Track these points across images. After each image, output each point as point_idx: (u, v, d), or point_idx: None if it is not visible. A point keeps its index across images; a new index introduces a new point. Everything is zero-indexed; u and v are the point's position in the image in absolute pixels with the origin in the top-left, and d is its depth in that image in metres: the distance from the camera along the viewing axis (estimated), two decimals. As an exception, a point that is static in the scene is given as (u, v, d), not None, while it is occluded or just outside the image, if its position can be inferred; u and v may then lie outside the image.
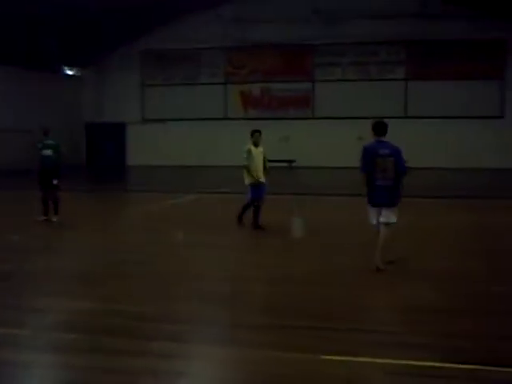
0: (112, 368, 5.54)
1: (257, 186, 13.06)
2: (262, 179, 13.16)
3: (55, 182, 14.58)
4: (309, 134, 35.01)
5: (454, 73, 34.49)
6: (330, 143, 34.44)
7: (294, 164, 35.33)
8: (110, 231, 13.84)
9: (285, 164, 35.20)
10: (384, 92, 34.97)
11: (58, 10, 27.87)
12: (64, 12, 28.55)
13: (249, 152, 13.01)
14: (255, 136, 13.08)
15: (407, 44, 35.08)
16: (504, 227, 13.92)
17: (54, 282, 8.78)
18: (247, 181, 13.16)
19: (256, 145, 13.11)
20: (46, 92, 35.62)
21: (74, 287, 8.58)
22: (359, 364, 5.57)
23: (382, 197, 9.13)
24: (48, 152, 14.84)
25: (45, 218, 14.51)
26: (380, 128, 9.34)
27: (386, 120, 9.56)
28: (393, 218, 9.20)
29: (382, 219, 9.19)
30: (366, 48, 35.55)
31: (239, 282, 8.72)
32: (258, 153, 13.08)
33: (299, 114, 36.72)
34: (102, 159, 38.40)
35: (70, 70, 38.50)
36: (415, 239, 12.01)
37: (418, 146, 33.57)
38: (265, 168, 13.17)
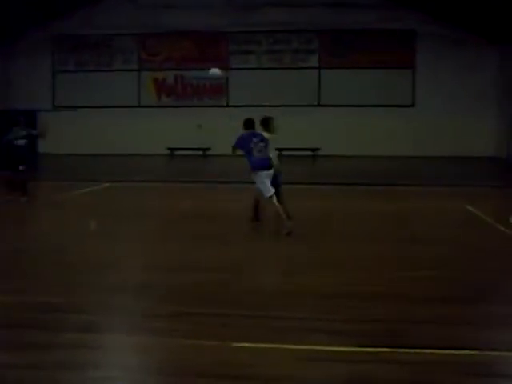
0: (18, 362, 5.37)
1: None
2: None
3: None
4: (223, 122, 34.96)
5: (366, 62, 35.02)
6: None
7: (208, 152, 35.28)
8: (13, 221, 13.43)
9: (200, 152, 35.15)
10: (297, 80, 35.29)
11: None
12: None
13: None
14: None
15: (320, 33, 35.46)
16: (415, 213, 14.31)
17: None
18: None
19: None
20: None
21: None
22: (269, 350, 5.59)
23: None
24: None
25: None
26: (250, 123, 12.10)
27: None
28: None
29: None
30: (279, 36, 35.75)
31: (148, 272, 8.60)
32: None
33: (213, 102, 36.66)
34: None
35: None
36: (333, 224, 12.18)
37: (331, 134, 34.13)
38: None
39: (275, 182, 11.80)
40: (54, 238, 11.31)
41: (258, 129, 12.04)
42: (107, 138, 35.64)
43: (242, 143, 11.88)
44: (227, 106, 36.27)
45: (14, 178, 15.08)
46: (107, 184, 19.75)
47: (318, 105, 35.27)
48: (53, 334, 6.03)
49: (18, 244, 10.65)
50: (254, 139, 11.73)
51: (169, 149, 35.85)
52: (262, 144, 11.67)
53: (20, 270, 8.82)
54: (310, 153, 34.34)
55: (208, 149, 35.26)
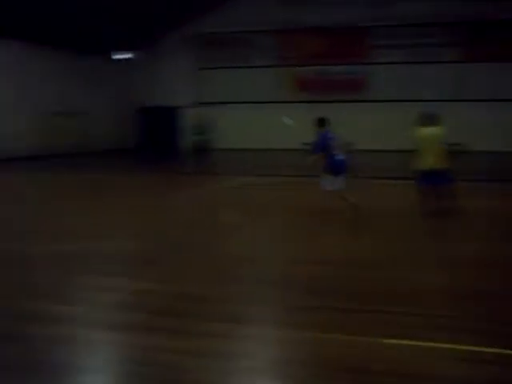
0: (170, 348, 5.61)
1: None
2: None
3: None
4: (363, 117, 34.69)
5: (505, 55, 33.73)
6: (384, 126, 34.10)
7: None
8: (166, 213, 13.98)
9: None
10: (437, 75, 34.45)
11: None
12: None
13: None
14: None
15: (462, 25, 34.34)
16: None
17: (110, 263, 8.94)
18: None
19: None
20: (97, 76, 36.03)
21: (129, 268, 8.72)
22: (418, 348, 5.55)
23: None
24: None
25: None
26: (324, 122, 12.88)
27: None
28: None
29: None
30: (421, 30, 35.00)
31: (290, 265, 8.74)
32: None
33: (354, 97, 36.42)
34: (156, 142, 38.66)
35: (122, 54, 38.77)
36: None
37: (472, 130, 33.10)
38: None
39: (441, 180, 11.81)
40: (198, 230, 11.68)
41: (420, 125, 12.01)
42: (246, 133, 36.22)
43: (323, 144, 12.51)
44: (367, 101, 35.96)
45: None
46: (251, 178, 20.13)
47: (460, 100, 34.27)
48: (204, 322, 6.26)
49: (170, 236, 11.08)
50: (330, 138, 12.50)
51: (306, 144, 35.96)
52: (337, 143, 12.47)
53: (167, 260, 9.17)
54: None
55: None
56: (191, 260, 9.12)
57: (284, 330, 6.12)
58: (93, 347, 5.74)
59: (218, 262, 8.97)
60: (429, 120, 12.40)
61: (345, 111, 35.39)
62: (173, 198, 16.31)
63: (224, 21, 36.43)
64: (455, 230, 11.59)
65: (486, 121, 33.21)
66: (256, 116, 36.60)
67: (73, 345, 5.77)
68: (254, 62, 37.80)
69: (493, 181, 18.84)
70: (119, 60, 38.71)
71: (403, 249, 9.80)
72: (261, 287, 7.60)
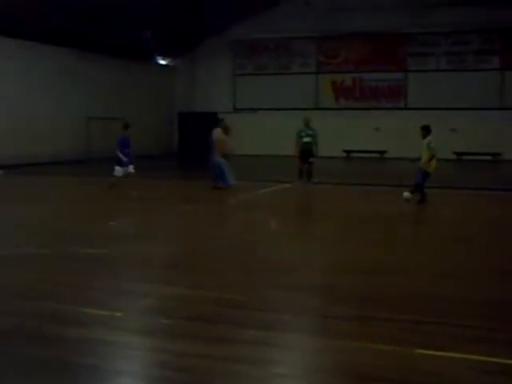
0: (206, 354, 5.57)
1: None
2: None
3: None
4: (400, 124, 34.47)
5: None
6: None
7: (385, 155, 34.96)
8: (202, 219, 14.02)
9: (376, 155, 34.91)
10: (479, 82, 34.06)
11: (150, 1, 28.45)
12: (156, 3, 29.07)
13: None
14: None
15: (501, 32, 34.01)
16: None
17: (147, 267, 8.95)
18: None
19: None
20: (140, 81, 36.34)
21: (166, 273, 8.72)
22: (455, 360, 5.42)
23: None
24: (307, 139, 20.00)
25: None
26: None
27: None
28: None
29: None
30: (458, 37, 34.72)
31: (328, 273, 8.68)
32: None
33: (391, 104, 36.23)
34: (194, 148, 38.75)
35: (164, 59, 39.12)
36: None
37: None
38: None
39: None
40: (238, 236, 11.73)
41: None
42: (284, 140, 36.16)
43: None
44: (405, 108, 35.74)
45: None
46: (287, 185, 20.08)
47: (501, 108, 33.83)
48: (237, 329, 6.23)
49: (206, 241, 11.09)
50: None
51: (345, 151, 35.86)
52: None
53: (205, 266, 9.16)
54: (489, 157, 33.12)
55: (385, 151, 34.92)
56: (231, 265, 9.15)
57: (319, 339, 6.07)
58: (124, 351, 5.72)
59: (258, 268, 8.94)
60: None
61: (383, 119, 35.26)
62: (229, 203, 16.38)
63: (263, 27, 36.56)
64: None
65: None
66: (293, 123, 36.50)
67: (104, 348, 5.76)
68: (292, 68, 37.82)
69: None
70: (161, 66, 39.05)
71: (451, 260, 9.70)
72: (298, 295, 7.54)
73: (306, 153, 19.97)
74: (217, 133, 19.10)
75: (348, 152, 35.93)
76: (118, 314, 6.67)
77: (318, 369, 5.38)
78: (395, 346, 5.71)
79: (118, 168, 16.86)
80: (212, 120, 38.80)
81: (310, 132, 20.60)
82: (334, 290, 7.75)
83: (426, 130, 15.71)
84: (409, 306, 7.05)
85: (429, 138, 15.54)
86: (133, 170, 17.05)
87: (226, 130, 19.43)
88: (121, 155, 16.83)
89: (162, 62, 39.33)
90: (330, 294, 7.63)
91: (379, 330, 6.21)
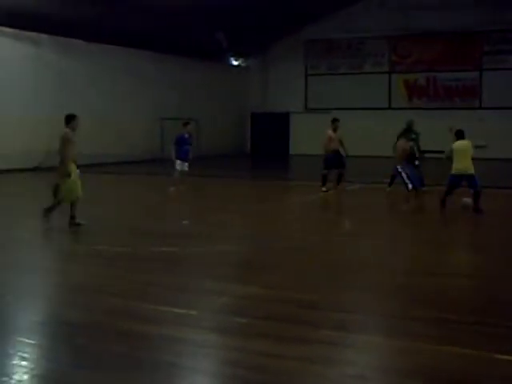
0: (279, 354, 5.61)
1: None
2: None
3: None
4: (475, 124, 33.82)
5: None
6: (498, 134, 33.18)
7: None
8: (272, 219, 14.08)
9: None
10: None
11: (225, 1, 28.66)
12: (231, 3, 29.27)
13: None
14: None
15: None
16: None
17: (221, 267, 9.05)
18: None
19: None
20: (213, 82, 36.63)
21: (240, 272, 8.84)
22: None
23: None
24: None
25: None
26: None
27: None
28: None
29: None
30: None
31: (402, 274, 8.65)
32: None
33: (465, 104, 35.56)
34: (266, 148, 38.92)
35: (237, 60, 39.38)
36: None
37: None
38: None
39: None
40: (311, 236, 11.75)
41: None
42: (357, 140, 35.96)
43: None
44: (480, 108, 35.06)
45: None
46: (358, 185, 19.97)
47: None
48: (312, 329, 6.25)
49: (277, 241, 11.11)
50: None
51: (421, 151, 35.35)
52: None
53: (278, 265, 9.22)
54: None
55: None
56: (306, 265, 9.20)
57: (393, 340, 6.04)
58: (198, 349, 5.80)
59: (333, 269, 8.97)
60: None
61: (456, 119, 34.63)
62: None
63: (337, 27, 36.36)
64: None
65: None
66: (366, 123, 36.28)
67: (180, 346, 5.87)
68: (364, 68, 37.56)
69: None
70: (234, 66, 39.34)
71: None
72: (373, 296, 7.54)
73: (411, 156, 19.30)
74: None
75: (423, 152, 35.41)
76: (193, 313, 6.78)
77: (394, 371, 5.37)
78: (472, 349, 5.65)
79: (178, 162, 17.44)
80: (284, 120, 39.29)
81: (413, 136, 20.08)
82: (407, 292, 7.72)
83: (458, 136, 15.63)
84: (488, 309, 6.96)
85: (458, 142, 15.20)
86: (186, 169, 17.48)
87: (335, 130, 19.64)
88: (173, 152, 17.48)
89: (235, 63, 39.60)
90: (403, 295, 7.60)
91: (456, 333, 6.15)
